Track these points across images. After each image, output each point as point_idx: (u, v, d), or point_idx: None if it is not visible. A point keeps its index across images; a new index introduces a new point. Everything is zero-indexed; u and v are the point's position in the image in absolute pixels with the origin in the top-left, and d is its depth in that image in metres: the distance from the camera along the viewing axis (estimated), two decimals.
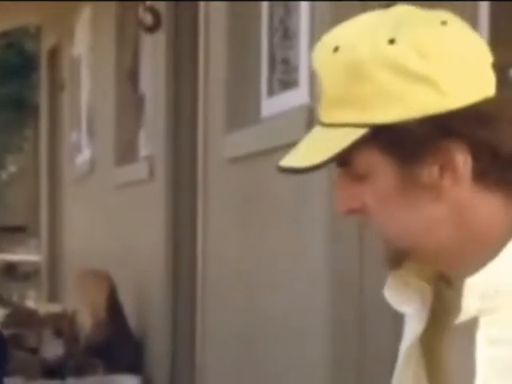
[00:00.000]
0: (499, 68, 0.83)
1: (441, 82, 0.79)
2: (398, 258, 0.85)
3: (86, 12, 6.11)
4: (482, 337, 0.81)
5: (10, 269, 9.38)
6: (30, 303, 7.25)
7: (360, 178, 0.83)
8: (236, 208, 3.48)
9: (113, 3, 5.26)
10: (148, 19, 4.44)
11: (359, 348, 2.46)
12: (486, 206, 0.82)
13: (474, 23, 2.24)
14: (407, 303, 0.87)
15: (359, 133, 0.81)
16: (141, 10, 4.62)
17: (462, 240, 0.82)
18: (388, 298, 0.88)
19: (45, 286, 7.65)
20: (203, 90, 3.87)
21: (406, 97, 0.79)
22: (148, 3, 4.48)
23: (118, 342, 4.47)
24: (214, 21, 3.72)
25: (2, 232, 10.41)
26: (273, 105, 3.27)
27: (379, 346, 2.41)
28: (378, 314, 2.37)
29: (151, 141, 4.79)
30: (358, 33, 0.81)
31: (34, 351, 4.82)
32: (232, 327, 3.47)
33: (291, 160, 0.83)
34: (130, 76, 5.25)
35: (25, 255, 9.65)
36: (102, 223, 5.65)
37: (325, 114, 0.83)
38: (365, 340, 2.45)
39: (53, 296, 7.23)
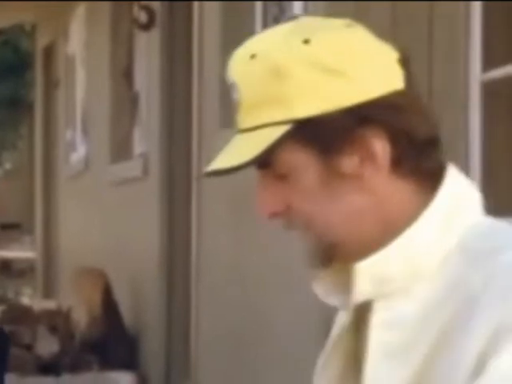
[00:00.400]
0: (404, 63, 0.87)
1: (354, 76, 0.82)
2: (327, 256, 0.85)
3: (80, 10, 6.12)
4: (375, 320, 0.83)
5: (5, 266, 9.39)
6: (25, 300, 7.27)
7: (282, 177, 0.84)
8: (230, 205, 3.51)
9: (107, 1, 5.28)
10: (142, 17, 4.46)
11: None
12: (400, 194, 0.84)
13: (466, 23, 2.26)
14: (334, 295, 0.88)
15: (281, 130, 0.82)
16: (135, 8, 4.64)
17: (382, 229, 0.83)
18: (315, 289, 0.89)
19: (40, 282, 7.67)
20: (197, 88, 3.89)
21: (323, 91, 0.82)
22: (142, 1, 4.50)
23: (112, 339, 4.50)
24: (208, 19, 3.75)
25: None
26: None
27: None
28: None
29: (146, 138, 4.81)
30: (273, 40, 0.85)
31: (29, 348, 4.84)
32: (226, 324, 3.49)
33: (216, 165, 0.85)
34: (125, 74, 5.27)
35: (20, 252, 9.66)
36: (96, 220, 5.67)
37: (244, 121, 0.85)
38: None
39: (47, 293, 7.25)
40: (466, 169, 2.27)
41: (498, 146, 2.34)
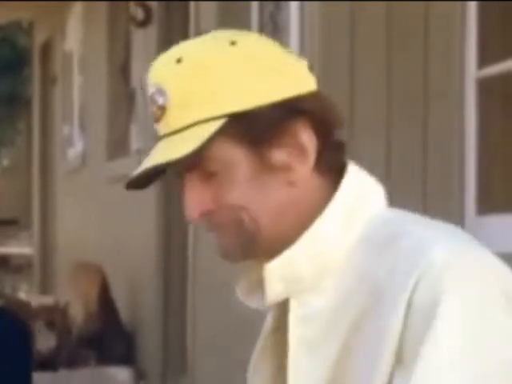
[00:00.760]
0: None
1: (280, 72, 0.86)
2: (248, 252, 0.87)
3: (77, 7, 6.13)
4: (292, 317, 0.86)
5: (3, 261, 9.40)
6: (23, 295, 7.28)
7: (210, 175, 0.85)
8: None
9: None
10: (139, 14, 4.47)
11: None
12: (317, 189, 0.87)
13: (462, 23, 2.27)
14: (252, 296, 0.90)
15: (214, 125, 0.84)
16: (132, 4, 4.64)
17: (299, 225, 0.86)
18: (237, 291, 0.91)
19: (37, 278, 7.68)
20: None
21: (252, 86, 0.85)
22: None
23: (110, 334, 4.51)
24: (204, 15, 3.76)
25: None
26: None
27: None
28: None
29: (143, 135, 4.83)
30: (198, 44, 0.88)
31: None
32: (222, 320, 3.51)
33: (147, 164, 0.85)
34: (122, 70, 5.28)
35: (17, 248, 9.67)
36: (93, 216, 5.69)
37: (171, 123, 0.86)
38: None
39: (45, 288, 7.27)
40: (461, 166, 2.28)
41: (494, 142, 2.36)
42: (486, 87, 2.30)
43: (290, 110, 0.85)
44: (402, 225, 0.86)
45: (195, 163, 0.85)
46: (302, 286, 0.85)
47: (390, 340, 0.80)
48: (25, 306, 5.73)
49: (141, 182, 0.89)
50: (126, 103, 5.25)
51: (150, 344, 4.45)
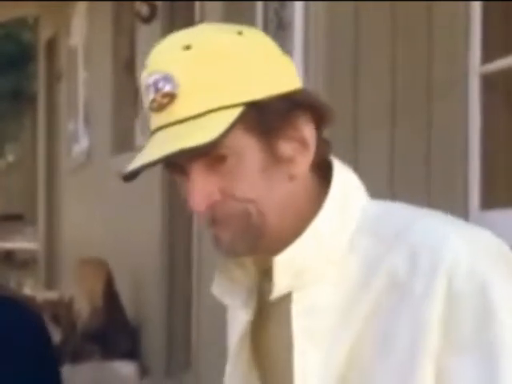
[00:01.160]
0: None
1: (287, 65, 0.87)
2: (252, 245, 0.86)
3: (82, 3, 6.14)
4: (295, 310, 0.85)
5: (8, 257, 9.43)
6: (28, 290, 7.31)
7: (219, 166, 0.84)
8: None
9: None
10: (144, 10, 4.47)
11: None
12: (312, 183, 0.88)
13: (466, 23, 2.27)
14: (230, 295, 0.90)
15: (232, 114, 0.82)
16: (137, 0, 4.65)
17: (298, 219, 0.86)
18: (213, 289, 0.92)
19: (42, 273, 7.71)
20: None
21: (265, 76, 0.85)
22: None
23: (114, 329, 4.53)
24: (209, 11, 3.76)
25: (0, 220, 10.46)
26: None
27: None
28: None
29: (147, 130, 4.83)
30: (206, 33, 0.86)
31: None
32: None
33: (167, 151, 0.82)
34: (127, 66, 5.29)
35: (22, 243, 9.70)
36: (98, 212, 5.70)
37: (180, 110, 0.83)
38: None
39: (50, 283, 7.29)
40: (465, 161, 2.28)
41: (498, 137, 2.36)
42: (489, 82, 2.31)
43: (294, 103, 0.85)
44: (407, 216, 0.87)
45: (205, 152, 0.83)
46: (306, 278, 0.85)
47: (429, 331, 0.80)
48: (30, 300, 5.76)
49: (131, 174, 0.86)
50: (131, 99, 5.26)
51: (154, 339, 4.47)
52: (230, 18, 3.56)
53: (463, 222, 0.88)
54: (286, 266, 0.85)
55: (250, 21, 3.50)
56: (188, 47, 0.85)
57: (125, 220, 5.05)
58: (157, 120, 0.86)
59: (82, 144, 6.31)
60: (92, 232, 5.79)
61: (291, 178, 0.86)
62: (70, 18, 6.56)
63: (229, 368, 0.92)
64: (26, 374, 1.10)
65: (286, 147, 0.85)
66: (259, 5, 3.50)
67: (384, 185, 2.33)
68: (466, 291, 0.81)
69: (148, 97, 0.86)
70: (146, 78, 0.87)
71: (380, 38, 2.48)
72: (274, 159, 0.85)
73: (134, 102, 5.25)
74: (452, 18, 2.32)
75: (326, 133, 0.89)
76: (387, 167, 2.40)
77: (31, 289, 7.38)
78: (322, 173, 0.88)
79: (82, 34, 6.30)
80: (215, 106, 0.83)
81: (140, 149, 0.87)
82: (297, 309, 0.85)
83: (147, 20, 4.48)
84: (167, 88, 0.84)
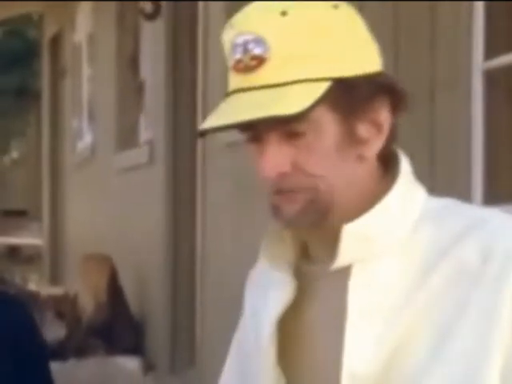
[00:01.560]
0: None
1: (372, 46, 0.87)
2: (318, 219, 0.85)
3: (87, 0, 6.15)
4: (353, 283, 0.84)
5: (13, 252, 9.45)
6: (32, 286, 7.33)
7: (295, 138, 0.83)
8: (235, 192, 3.55)
9: None
10: (148, 7, 4.48)
11: None
12: (375, 168, 0.88)
13: (469, 23, 2.27)
14: (280, 259, 0.88)
15: (322, 86, 0.82)
16: None
17: (364, 199, 0.86)
18: (263, 250, 0.89)
19: (46, 269, 7.73)
20: (202, 76, 3.92)
21: (356, 54, 0.85)
22: None
23: (119, 324, 4.55)
24: (212, 8, 3.77)
25: (5, 216, 10.48)
26: None
27: None
28: None
29: (151, 126, 4.85)
30: (301, 2, 0.84)
31: None
32: (231, 310, 3.53)
33: (262, 113, 0.80)
34: (131, 63, 5.31)
35: (27, 239, 9.72)
36: (102, 207, 5.72)
37: (268, 76, 0.82)
38: None
39: (54, 279, 7.31)
40: (468, 157, 2.29)
41: (500, 133, 2.36)
42: (492, 79, 2.31)
43: (378, 86, 0.85)
44: (473, 211, 0.88)
45: (287, 123, 0.82)
46: (372, 251, 0.85)
47: (499, 319, 0.81)
48: (35, 296, 5.78)
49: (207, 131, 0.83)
50: (135, 95, 5.27)
51: (158, 335, 4.48)
52: (233, 14, 3.56)
53: None
54: (355, 236, 0.84)
55: None
56: (284, 13, 0.83)
57: (129, 216, 5.07)
58: (239, 81, 0.84)
59: (86, 140, 6.32)
60: (96, 228, 5.81)
61: (361, 159, 0.86)
62: (75, 14, 6.57)
63: (261, 349, 0.89)
64: (9, 364, 1.10)
65: (363, 129, 0.85)
66: None
67: None
68: None
69: (233, 56, 0.84)
70: (234, 36, 0.85)
71: (383, 36, 2.48)
72: (351, 139, 0.85)
73: (138, 98, 5.26)
74: (455, 16, 2.33)
75: None
76: None
77: (36, 284, 7.41)
78: (384, 159, 0.88)
79: (86, 30, 6.32)
80: (304, 76, 0.82)
81: (216, 106, 0.85)
82: (355, 282, 0.84)
83: (151, 17, 4.49)
84: (257, 51, 0.83)
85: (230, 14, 3.59)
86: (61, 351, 4.59)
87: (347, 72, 0.84)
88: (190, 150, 4.19)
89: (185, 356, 4.22)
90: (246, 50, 0.83)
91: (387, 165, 0.88)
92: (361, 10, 0.92)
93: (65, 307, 5.39)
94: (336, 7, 0.85)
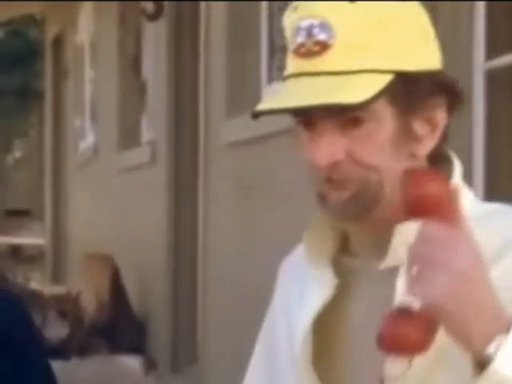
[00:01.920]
0: None
1: (435, 44, 0.86)
2: (366, 213, 0.84)
3: (89, 0, 6.16)
4: (401, 284, 0.82)
5: (15, 251, 9.47)
6: (35, 285, 7.35)
7: (351, 128, 0.82)
8: (235, 191, 3.55)
9: None
10: (150, 8, 4.49)
11: None
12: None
13: (469, 23, 2.28)
14: (320, 253, 0.86)
15: (385, 79, 0.81)
16: None
17: None
18: (306, 249, 0.88)
19: (49, 268, 7.74)
20: (204, 77, 3.93)
21: (421, 50, 0.84)
22: None
23: (121, 323, 4.56)
24: (214, 8, 3.78)
25: (8, 215, 10.51)
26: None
27: None
28: None
29: (153, 126, 4.86)
30: None
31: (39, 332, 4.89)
32: (233, 308, 3.54)
33: (324, 99, 0.79)
34: (133, 63, 5.32)
35: (29, 238, 9.73)
36: (104, 207, 5.73)
37: (332, 63, 0.81)
38: None
39: (57, 278, 7.33)
40: (469, 157, 2.30)
41: (502, 134, 2.37)
42: (494, 79, 2.32)
43: (437, 84, 0.83)
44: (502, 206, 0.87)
45: (344, 110, 0.81)
46: None
47: None
48: (37, 295, 5.79)
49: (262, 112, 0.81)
50: (137, 95, 5.28)
51: (160, 333, 4.49)
52: (234, 16, 3.58)
53: None
54: (406, 236, 0.80)
55: (254, 19, 3.52)
56: (352, 0, 0.82)
57: (131, 215, 5.08)
58: (300, 65, 0.83)
59: (89, 140, 6.33)
60: (98, 227, 5.82)
61: (413, 156, 0.84)
62: (77, 15, 6.58)
63: (303, 344, 0.85)
64: (3, 362, 1.08)
65: (418, 126, 0.84)
66: (264, 3, 3.52)
67: None
68: None
69: (295, 39, 0.83)
70: (298, 20, 0.83)
71: None
72: (405, 135, 0.83)
73: (140, 98, 5.27)
74: (456, 17, 2.33)
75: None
76: None
77: (38, 284, 7.42)
78: (433, 159, 0.87)
79: (88, 31, 6.33)
80: (368, 67, 0.81)
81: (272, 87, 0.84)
82: (402, 282, 0.80)
83: (153, 18, 4.50)
84: (322, 36, 0.81)
85: (231, 14, 3.61)
86: (63, 350, 4.60)
87: (410, 66, 0.82)
88: (191, 149, 4.20)
89: (187, 355, 4.23)
90: (310, 35, 0.82)
91: (436, 165, 0.87)
92: None
93: (67, 306, 5.40)
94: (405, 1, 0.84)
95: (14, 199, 11.36)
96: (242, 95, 3.51)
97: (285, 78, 0.85)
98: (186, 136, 4.30)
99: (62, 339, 4.81)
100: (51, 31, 7.77)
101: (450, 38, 2.36)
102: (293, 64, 0.84)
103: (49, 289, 6.38)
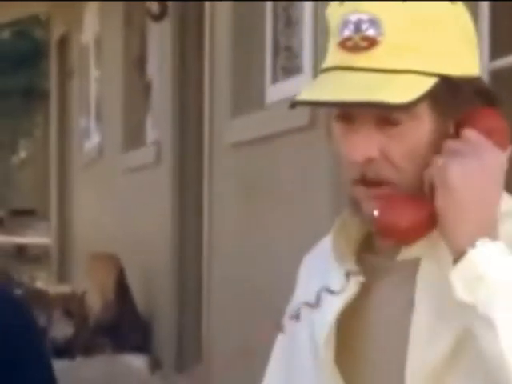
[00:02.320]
0: None
1: (475, 50, 0.86)
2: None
3: (94, 1, 6.18)
4: (421, 277, 0.83)
5: (21, 251, 9.50)
6: (40, 284, 7.37)
7: (389, 127, 0.82)
8: (240, 191, 3.57)
9: None
10: (155, 8, 4.51)
11: None
12: None
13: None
14: (345, 250, 0.86)
15: (429, 81, 0.80)
16: None
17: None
18: (333, 246, 0.87)
19: (54, 267, 7.76)
20: (209, 77, 3.94)
21: (465, 55, 0.84)
22: None
23: (126, 322, 4.57)
24: (219, 9, 3.79)
25: (13, 215, 10.54)
26: (277, 91, 3.34)
27: None
28: None
29: (158, 126, 4.88)
30: None
31: (44, 331, 4.92)
32: (238, 307, 3.55)
33: (365, 97, 0.79)
34: (138, 63, 5.33)
35: (35, 238, 9.76)
36: (109, 207, 5.75)
37: (378, 60, 0.81)
38: None
39: (62, 277, 7.34)
40: None
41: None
42: (498, 79, 2.32)
43: (476, 90, 0.83)
44: None
45: (386, 109, 0.80)
46: (441, 246, 0.81)
47: None
48: (42, 294, 5.81)
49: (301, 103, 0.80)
50: (142, 95, 5.30)
51: (165, 332, 4.50)
52: (239, 16, 3.59)
53: None
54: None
55: (259, 19, 3.53)
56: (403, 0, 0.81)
57: (136, 215, 5.09)
58: (344, 59, 0.82)
59: (94, 140, 6.35)
60: (103, 227, 5.84)
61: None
62: (82, 15, 6.60)
63: (325, 341, 0.85)
64: (6, 358, 1.07)
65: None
66: (269, 4, 3.53)
67: None
68: None
69: (342, 32, 0.82)
70: (347, 13, 0.83)
71: None
72: (441, 140, 0.83)
73: (145, 98, 5.29)
74: None
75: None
76: None
77: (44, 283, 7.44)
78: None
79: (93, 31, 6.35)
80: (414, 67, 0.81)
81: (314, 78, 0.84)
82: (424, 276, 0.81)
83: (158, 18, 4.51)
84: (371, 32, 0.81)
85: (236, 14, 3.62)
86: (68, 349, 4.62)
87: (453, 71, 0.82)
88: (196, 149, 4.21)
89: (192, 354, 4.24)
90: (358, 29, 0.81)
91: None
92: None
93: (72, 306, 5.42)
94: (454, 3, 0.84)
95: (19, 199, 11.39)
96: (247, 95, 3.52)
97: (326, 70, 0.84)
98: (190, 136, 4.31)
99: (68, 338, 4.83)
100: (56, 31, 7.79)
101: None
102: (336, 57, 0.83)
103: (54, 288, 6.40)
